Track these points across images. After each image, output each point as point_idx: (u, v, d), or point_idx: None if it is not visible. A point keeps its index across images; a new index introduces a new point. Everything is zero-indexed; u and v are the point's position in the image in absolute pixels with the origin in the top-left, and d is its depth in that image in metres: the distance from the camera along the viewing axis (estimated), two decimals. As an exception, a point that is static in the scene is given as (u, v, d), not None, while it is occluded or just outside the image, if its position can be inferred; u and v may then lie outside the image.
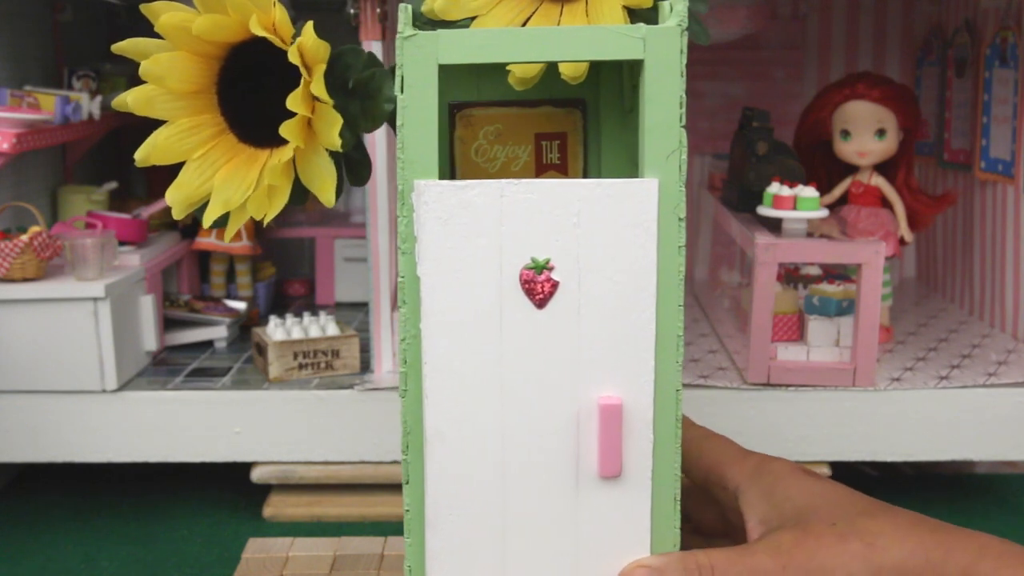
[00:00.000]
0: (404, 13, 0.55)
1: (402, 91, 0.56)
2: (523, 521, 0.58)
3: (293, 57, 0.58)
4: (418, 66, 0.56)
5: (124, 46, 0.59)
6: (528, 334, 0.57)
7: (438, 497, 0.58)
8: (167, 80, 0.60)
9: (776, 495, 0.60)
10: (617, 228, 0.55)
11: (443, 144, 0.67)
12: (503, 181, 0.56)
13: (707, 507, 0.67)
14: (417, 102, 0.56)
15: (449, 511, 0.58)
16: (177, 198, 0.63)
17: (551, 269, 0.56)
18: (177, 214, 0.62)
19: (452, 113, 0.68)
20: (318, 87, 0.58)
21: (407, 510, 0.59)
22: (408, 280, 0.57)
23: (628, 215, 0.55)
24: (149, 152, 0.62)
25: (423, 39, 0.55)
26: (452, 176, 0.69)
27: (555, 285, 0.56)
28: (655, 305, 0.56)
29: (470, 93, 0.66)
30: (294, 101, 0.57)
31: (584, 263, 0.56)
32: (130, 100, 0.60)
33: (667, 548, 0.57)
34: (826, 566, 0.55)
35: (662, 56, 0.55)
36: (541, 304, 0.57)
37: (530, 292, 0.57)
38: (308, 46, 0.59)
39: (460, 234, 0.56)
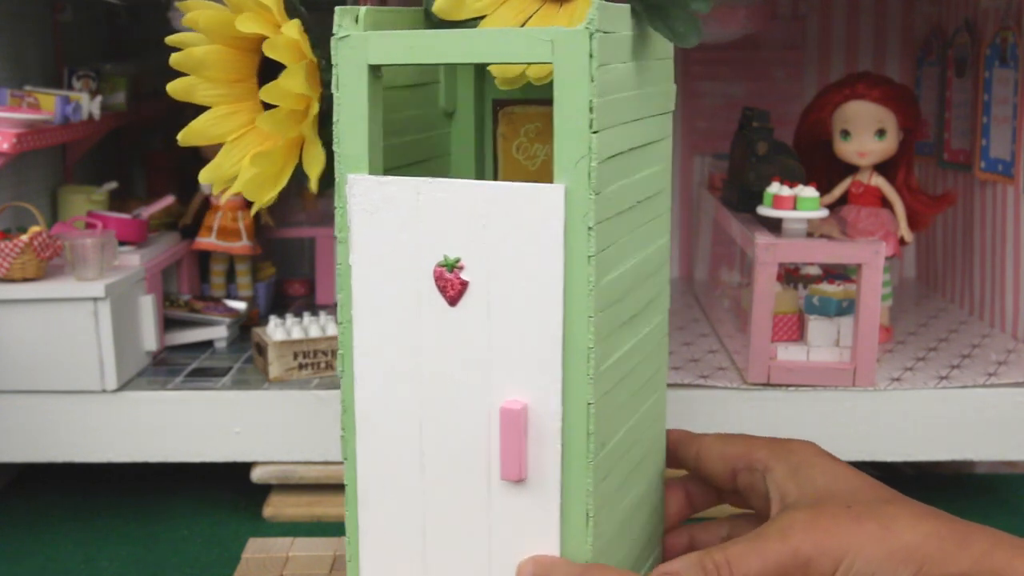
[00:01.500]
0: (341, 15, 0.56)
1: (337, 89, 0.58)
2: (441, 511, 0.59)
3: (268, 51, 0.60)
4: (350, 66, 0.58)
5: (177, 39, 0.69)
6: (442, 330, 0.57)
7: (367, 476, 0.60)
8: (207, 71, 0.68)
9: (801, 475, 0.61)
10: (524, 233, 0.55)
11: (487, 140, 0.70)
12: (420, 179, 0.57)
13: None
14: (350, 100, 0.58)
15: (377, 490, 0.60)
16: (212, 176, 0.68)
17: (461, 268, 0.57)
18: (216, 189, 0.68)
19: (495, 110, 0.69)
20: (293, 80, 0.60)
21: (346, 484, 0.61)
22: (343, 268, 0.60)
23: (535, 220, 0.54)
24: (189, 134, 0.69)
25: (354, 40, 0.58)
26: (495, 174, 0.70)
27: (465, 284, 0.57)
28: (561, 314, 0.55)
29: (515, 91, 0.67)
30: (266, 93, 0.61)
31: (492, 265, 0.56)
32: (170, 88, 0.69)
33: (579, 558, 0.57)
34: (840, 545, 0.55)
35: (570, 60, 0.53)
36: (452, 302, 0.57)
37: (442, 289, 0.58)
38: (284, 43, 0.61)
39: (384, 227, 0.58)
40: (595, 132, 0.54)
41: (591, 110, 0.53)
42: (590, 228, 0.54)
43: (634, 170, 0.59)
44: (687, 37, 0.57)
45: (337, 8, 0.57)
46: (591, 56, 0.53)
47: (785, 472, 0.62)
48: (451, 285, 0.57)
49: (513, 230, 0.55)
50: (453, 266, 0.57)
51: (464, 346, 0.57)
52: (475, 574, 0.59)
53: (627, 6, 0.57)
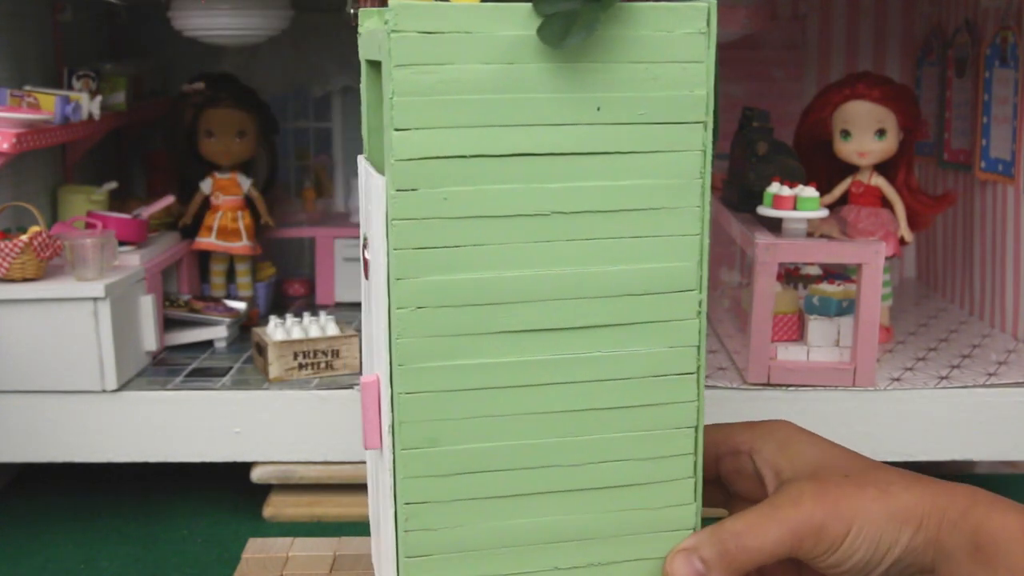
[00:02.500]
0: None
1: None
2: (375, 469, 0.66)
3: None
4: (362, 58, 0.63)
5: None
6: (366, 301, 0.64)
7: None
8: None
9: (789, 451, 0.62)
10: (380, 219, 0.57)
11: None
12: (363, 158, 0.63)
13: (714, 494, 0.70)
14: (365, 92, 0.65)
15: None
16: None
17: (366, 246, 0.61)
18: None
19: None
20: None
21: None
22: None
23: (381, 209, 0.57)
24: None
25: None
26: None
27: (367, 262, 0.61)
28: (387, 302, 0.57)
29: None
30: None
31: (374, 245, 0.59)
32: None
33: (397, 545, 0.60)
34: (848, 510, 0.57)
35: (384, 58, 0.54)
36: (366, 275, 0.63)
37: (363, 264, 0.63)
38: None
39: (366, 204, 0.63)
40: (397, 130, 0.54)
41: (392, 107, 0.54)
42: (391, 221, 0.55)
43: (519, 177, 0.56)
44: (547, 39, 0.54)
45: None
46: (390, 54, 0.53)
47: (773, 450, 0.63)
48: (364, 261, 0.62)
49: (378, 216, 0.57)
50: (364, 244, 0.62)
51: (374, 317, 0.61)
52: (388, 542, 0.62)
53: (517, 5, 0.54)
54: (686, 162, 0.57)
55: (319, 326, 1.04)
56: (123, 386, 0.98)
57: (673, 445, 0.61)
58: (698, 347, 0.60)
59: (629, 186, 0.57)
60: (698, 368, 0.60)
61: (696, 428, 0.61)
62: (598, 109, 0.56)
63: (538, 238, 0.57)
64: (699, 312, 0.59)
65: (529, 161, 0.56)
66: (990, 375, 0.99)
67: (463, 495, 0.59)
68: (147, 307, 1.03)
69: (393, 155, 0.54)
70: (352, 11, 0.96)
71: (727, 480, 0.67)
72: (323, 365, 1.02)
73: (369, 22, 0.63)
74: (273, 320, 1.04)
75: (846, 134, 1.08)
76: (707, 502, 0.65)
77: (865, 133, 1.08)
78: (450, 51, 0.54)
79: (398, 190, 0.55)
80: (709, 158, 0.58)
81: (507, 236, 0.57)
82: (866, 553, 0.57)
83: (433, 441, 0.58)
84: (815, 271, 1.07)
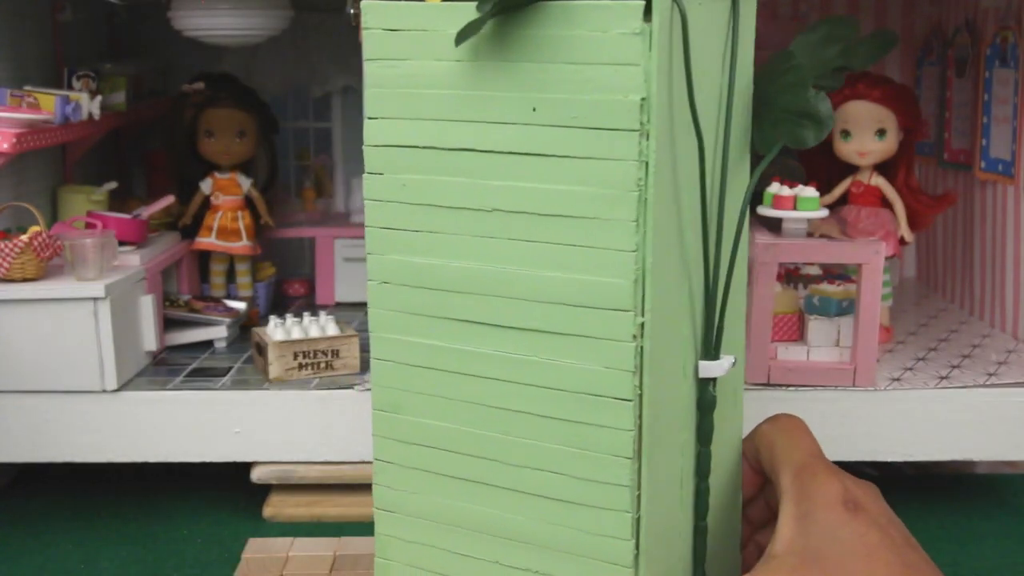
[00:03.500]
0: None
1: None
2: None
3: None
4: None
5: None
6: None
7: None
8: None
9: (804, 524, 0.58)
10: None
11: None
12: None
13: (758, 496, 0.68)
14: None
15: None
16: None
17: None
18: None
19: None
20: None
21: None
22: None
23: None
24: None
25: None
26: None
27: None
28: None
29: None
30: None
31: None
32: None
33: None
34: None
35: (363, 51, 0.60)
36: None
37: None
38: None
39: None
40: (369, 118, 0.59)
41: (366, 97, 0.59)
42: (364, 200, 0.60)
43: (483, 173, 0.57)
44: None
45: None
46: (363, 49, 0.57)
47: (791, 514, 0.59)
48: None
49: None
50: None
51: None
52: None
53: (468, 5, 0.55)
54: (619, 172, 0.54)
55: (319, 326, 1.04)
56: (123, 386, 0.98)
57: (607, 472, 0.57)
58: (634, 373, 0.55)
59: (564, 191, 0.56)
60: (638, 397, 0.56)
61: (633, 460, 0.56)
62: (534, 110, 0.55)
63: (481, 233, 0.58)
64: (636, 336, 0.55)
65: (474, 156, 0.57)
66: (990, 375, 0.99)
67: (420, 465, 0.63)
68: (147, 307, 1.03)
69: (365, 140, 0.59)
70: (352, 11, 0.96)
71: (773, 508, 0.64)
72: (323, 365, 1.02)
73: None
74: (273, 320, 1.04)
75: (846, 134, 1.08)
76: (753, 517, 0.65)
77: (865, 133, 1.08)
78: (409, 47, 0.57)
79: (368, 173, 0.60)
80: (655, 169, 0.53)
81: (455, 227, 0.58)
82: None
83: (397, 407, 0.62)
84: (815, 271, 1.07)
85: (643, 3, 0.52)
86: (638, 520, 0.57)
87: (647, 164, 0.53)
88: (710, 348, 0.59)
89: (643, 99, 0.53)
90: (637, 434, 0.56)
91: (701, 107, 0.55)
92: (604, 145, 0.54)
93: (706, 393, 0.60)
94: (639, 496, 0.57)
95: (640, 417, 0.56)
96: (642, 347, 0.55)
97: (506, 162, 0.56)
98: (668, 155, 0.54)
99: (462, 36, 0.54)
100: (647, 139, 0.53)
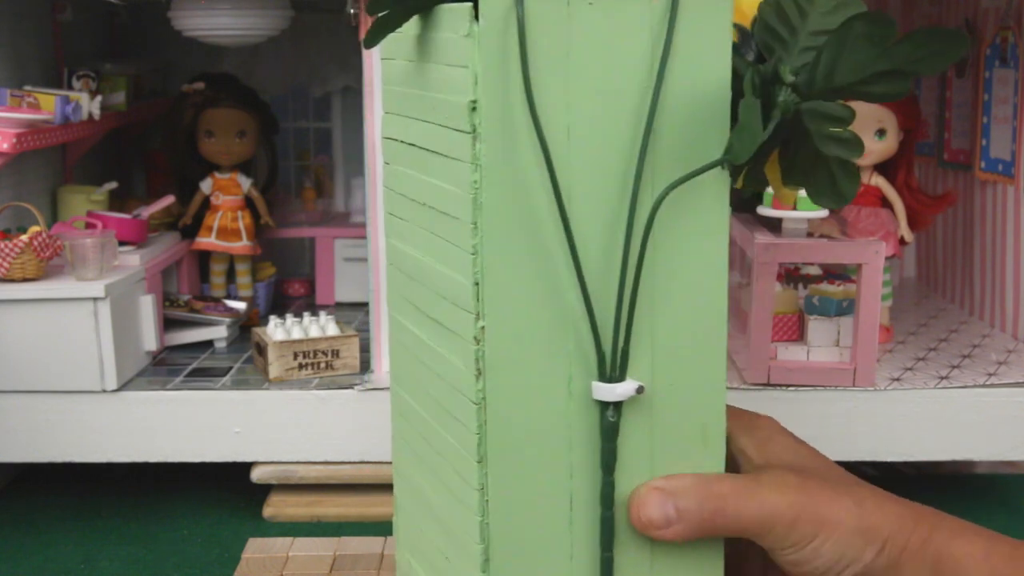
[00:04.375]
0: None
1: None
2: None
3: None
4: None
5: None
6: None
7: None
8: None
9: (768, 449, 0.61)
10: None
11: None
12: None
13: None
14: None
15: None
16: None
17: None
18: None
19: None
20: None
21: None
22: None
23: None
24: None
25: None
26: None
27: None
28: None
29: None
30: None
31: None
32: None
33: None
34: (822, 514, 0.56)
35: None
36: None
37: None
38: None
39: None
40: (385, 113, 0.64)
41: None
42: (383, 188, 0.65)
43: (418, 167, 0.60)
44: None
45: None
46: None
47: (752, 444, 0.61)
48: None
49: None
50: None
51: None
52: None
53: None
54: (459, 171, 0.55)
55: (319, 326, 1.04)
56: (123, 386, 0.98)
57: (465, 471, 0.57)
58: (478, 376, 0.55)
59: (438, 187, 0.57)
60: (482, 400, 0.55)
61: (482, 463, 0.55)
62: (429, 109, 0.58)
63: (418, 223, 0.61)
64: (478, 339, 0.54)
65: (409, 150, 0.61)
66: (990, 375, 0.99)
67: (405, 433, 0.66)
68: (147, 307, 1.03)
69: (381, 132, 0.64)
70: (352, 11, 0.96)
71: None
72: (323, 365, 1.02)
73: None
74: (273, 320, 1.04)
75: (846, 134, 1.08)
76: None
77: (865, 133, 1.08)
78: (395, 48, 0.62)
79: (385, 163, 0.65)
80: (488, 172, 0.53)
81: (406, 216, 0.62)
82: (828, 561, 0.56)
83: (396, 378, 0.67)
84: (815, 271, 1.07)
85: (468, 7, 0.52)
86: (488, 525, 0.56)
87: (480, 167, 0.53)
88: (604, 369, 0.56)
89: (473, 101, 0.53)
90: (483, 437, 0.55)
91: (606, 113, 0.54)
92: (453, 145, 0.55)
93: (603, 418, 0.56)
94: (487, 501, 0.56)
95: (485, 422, 0.55)
96: (484, 351, 0.54)
97: (423, 157, 0.60)
98: (511, 160, 0.53)
99: (367, 41, 0.58)
100: (480, 142, 0.53)
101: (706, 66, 0.55)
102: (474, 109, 0.53)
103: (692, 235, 0.56)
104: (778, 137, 0.56)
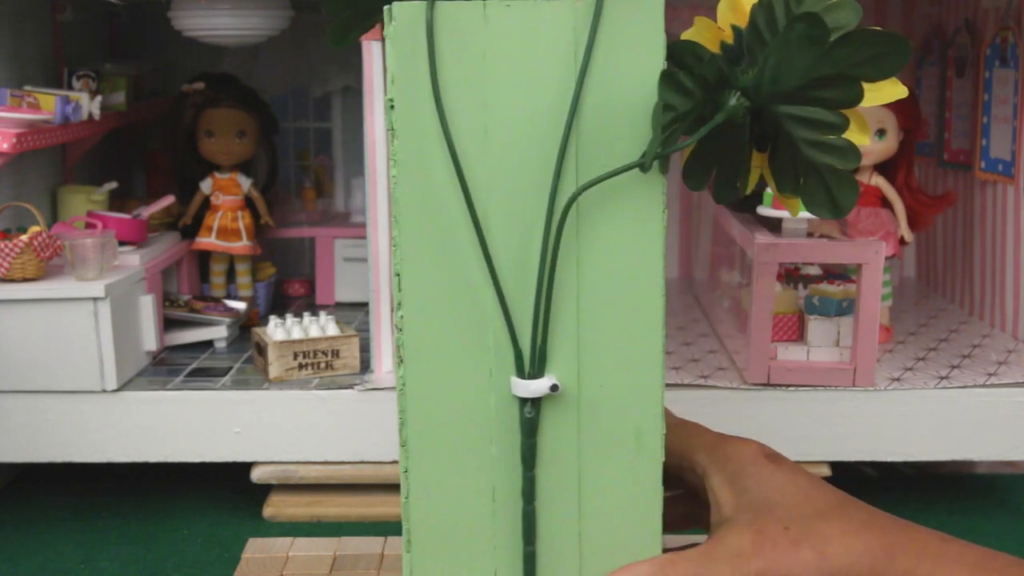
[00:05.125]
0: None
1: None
2: None
3: None
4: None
5: None
6: None
7: None
8: None
9: (737, 484, 0.60)
10: None
11: None
12: None
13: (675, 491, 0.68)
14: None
15: None
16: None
17: None
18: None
19: None
20: None
21: None
22: None
23: None
24: None
25: None
26: None
27: None
28: None
29: None
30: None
31: None
32: None
33: None
34: (781, 574, 0.56)
35: None
36: None
37: None
38: None
39: None
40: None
41: None
42: None
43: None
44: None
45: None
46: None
47: (721, 480, 0.61)
48: None
49: None
50: None
51: None
52: None
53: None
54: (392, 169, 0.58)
55: (319, 326, 1.04)
56: (123, 386, 0.98)
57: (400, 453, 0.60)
58: (398, 364, 0.58)
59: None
60: (402, 387, 0.58)
61: (405, 446, 0.58)
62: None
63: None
64: (399, 328, 0.57)
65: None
66: (990, 375, 0.99)
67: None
68: (147, 307, 1.03)
69: None
70: (352, 11, 0.96)
71: (692, 489, 0.65)
72: (323, 365, 1.02)
73: None
74: (273, 320, 1.04)
75: (846, 134, 1.08)
76: (667, 517, 0.60)
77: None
78: None
79: None
80: (402, 168, 0.55)
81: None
82: None
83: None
84: (815, 271, 1.07)
85: (389, 7, 0.54)
86: (409, 506, 0.59)
87: (397, 163, 0.55)
88: (522, 365, 0.56)
89: (390, 100, 0.55)
90: (405, 423, 0.58)
91: (525, 114, 0.54)
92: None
93: (522, 413, 0.57)
94: (408, 485, 0.59)
95: (406, 408, 0.58)
96: (403, 339, 0.57)
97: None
98: (423, 158, 0.55)
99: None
100: (395, 139, 0.55)
101: (633, 68, 0.54)
102: (392, 108, 0.55)
103: (622, 236, 0.56)
104: (735, 144, 0.54)
